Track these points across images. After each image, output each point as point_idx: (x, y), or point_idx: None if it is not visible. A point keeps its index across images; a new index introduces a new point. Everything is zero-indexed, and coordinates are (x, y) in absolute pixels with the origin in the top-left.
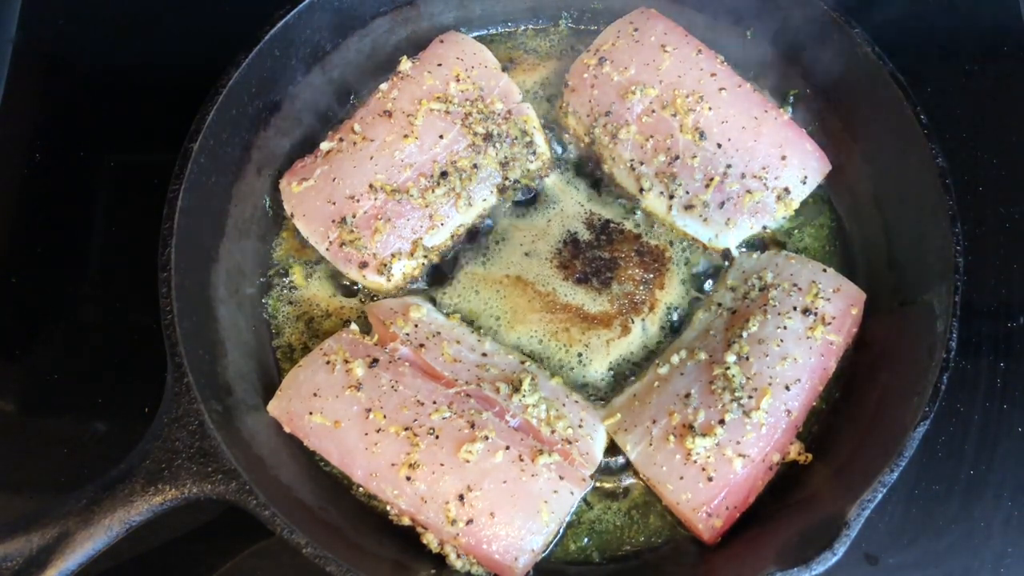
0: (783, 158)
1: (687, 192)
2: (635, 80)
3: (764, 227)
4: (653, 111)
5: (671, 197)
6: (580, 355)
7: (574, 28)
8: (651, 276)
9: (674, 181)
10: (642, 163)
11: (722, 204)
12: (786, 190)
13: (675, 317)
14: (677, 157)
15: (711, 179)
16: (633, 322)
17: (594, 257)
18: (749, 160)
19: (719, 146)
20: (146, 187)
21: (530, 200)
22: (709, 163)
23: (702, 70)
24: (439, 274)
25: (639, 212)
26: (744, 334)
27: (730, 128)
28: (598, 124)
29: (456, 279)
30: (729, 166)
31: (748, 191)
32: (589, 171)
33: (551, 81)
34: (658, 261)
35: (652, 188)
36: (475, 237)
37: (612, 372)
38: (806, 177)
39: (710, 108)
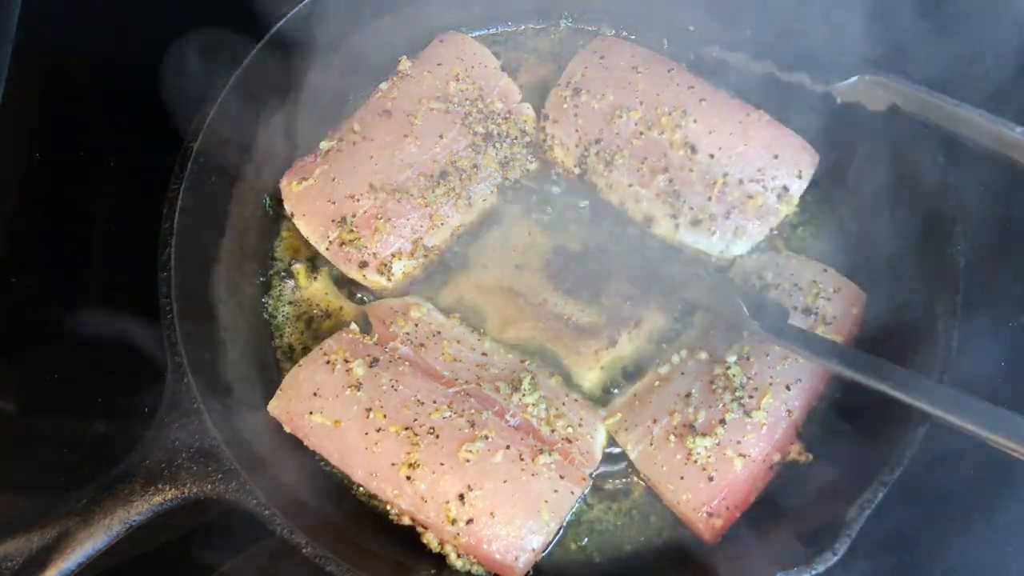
0: (775, 157)
1: (691, 208)
2: (616, 104)
3: (772, 230)
4: (641, 133)
5: (675, 217)
6: (571, 362)
7: (574, 28)
8: (638, 292)
9: (678, 199)
10: (641, 187)
11: (728, 214)
12: (784, 188)
13: (666, 331)
14: (673, 176)
15: (712, 189)
16: (620, 334)
17: (585, 270)
18: (743, 165)
19: (712, 156)
20: (146, 187)
21: (524, 210)
22: (706, 174)
23: (678, 85)
24: (439, 275)
25: (631, 228)
26: (745, 334)
27: (718, 137)
28: (590, 153)
29: (450, 286)
30: (726, 174)
31: (749, 196)
32: (583, 184)
33: (552, 81)
34: (647, 279)
35: (655, 214)
36: (468, 247)
37: (602, 379)
38: (800, 171)
39: (695, 120)
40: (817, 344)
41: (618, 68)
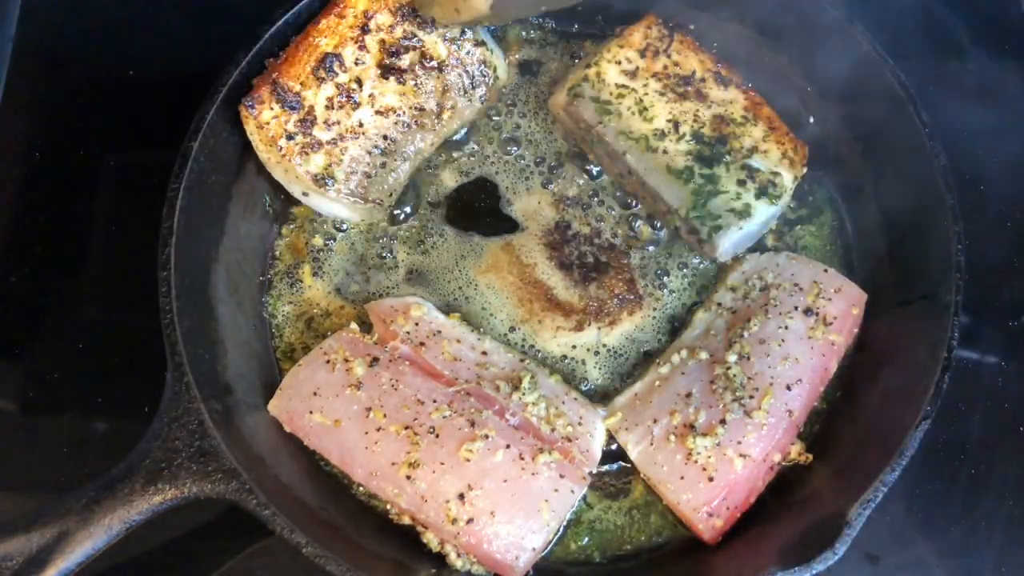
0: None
1: None
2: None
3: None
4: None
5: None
6: (529, 328)
7: (574, 28)
8: (630, 297)
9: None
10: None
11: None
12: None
13: (644, 344)
14: None
15: None
16: (589, 325)
17: (585, 252)
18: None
19: None
20: (146, 187)
21: (542, 181)
22: None
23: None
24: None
25: (643, 227)
26: (745, 334)
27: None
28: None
29: (445, 236)
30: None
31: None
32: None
33: (550, 78)
34: (644, 288)
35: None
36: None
37: (560, 352)
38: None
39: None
40: None
41: None
